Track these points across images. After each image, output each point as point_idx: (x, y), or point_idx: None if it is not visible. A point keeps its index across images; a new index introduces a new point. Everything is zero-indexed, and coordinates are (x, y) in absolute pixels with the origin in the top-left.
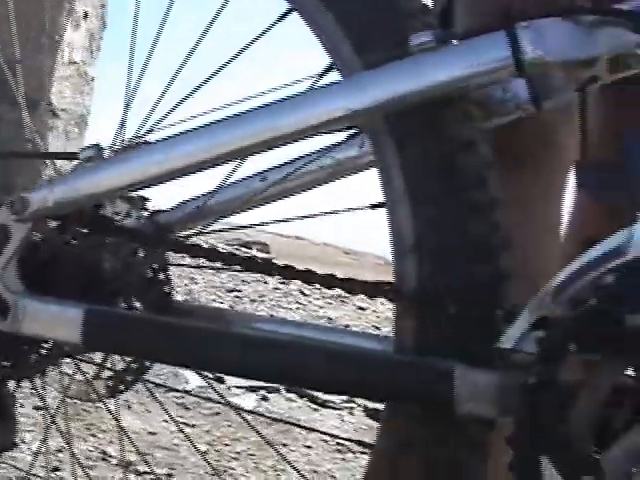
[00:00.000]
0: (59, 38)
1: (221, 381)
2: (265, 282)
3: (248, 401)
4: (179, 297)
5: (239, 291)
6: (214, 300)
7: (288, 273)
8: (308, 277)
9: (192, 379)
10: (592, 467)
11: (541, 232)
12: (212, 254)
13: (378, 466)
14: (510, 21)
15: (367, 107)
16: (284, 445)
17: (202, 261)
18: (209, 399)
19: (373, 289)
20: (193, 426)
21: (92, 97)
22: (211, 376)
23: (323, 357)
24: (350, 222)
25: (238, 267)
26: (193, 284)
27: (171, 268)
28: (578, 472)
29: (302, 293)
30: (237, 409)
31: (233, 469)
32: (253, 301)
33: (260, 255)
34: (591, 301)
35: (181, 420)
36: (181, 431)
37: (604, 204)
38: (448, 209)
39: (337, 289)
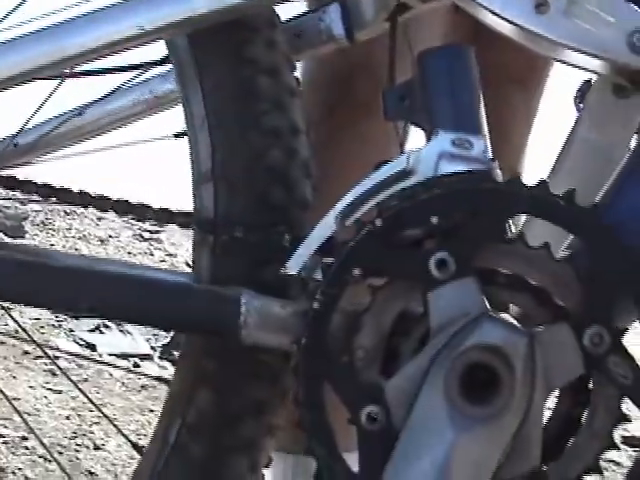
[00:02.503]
0: None
1: (92, 348)
2: (151, 254)
3: (121, 369)
4: None
5: None
6: None
7: (82, 199)
8: (102, 204)
9: (62, 345)
10: (375, 396)
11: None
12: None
13: (173, 400)
14: None
15: (158, 26)
16: (151, 411)
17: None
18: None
19: (167, 217)
20: (59, 392)
21: None
22: (83, 343)
23: (108, 285)
24: None
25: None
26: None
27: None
28: (361, 402)
29: (188, 265)
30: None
31: (93, 433)
32: None
33: (152, 228)
34: (376, 223)
35: (47, 386)
36: None
37: None
38: (246, 134)
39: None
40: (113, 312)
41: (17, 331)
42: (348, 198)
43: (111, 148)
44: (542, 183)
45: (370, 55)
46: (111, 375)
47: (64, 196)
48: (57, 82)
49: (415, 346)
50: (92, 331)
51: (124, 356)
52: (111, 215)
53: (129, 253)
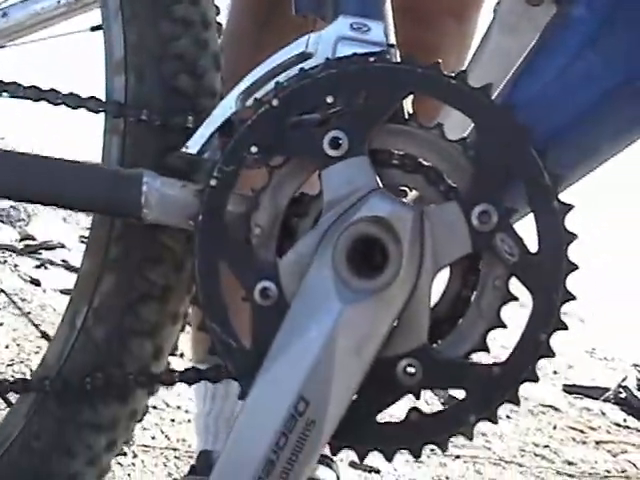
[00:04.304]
0: None
1: (37, 283)
2: None
3: (64, 303)
4: None
5: None
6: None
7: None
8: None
9: (6, 280)
10: (269, 273)
11: None
12: None
13: (81, 287)
14: None
15: None
16: None
17: None
18: None
19: (77, 101)
20: (1, 324)
21: None
22: (27, 278)
23: (18, 166)
24: None
25: None
26: None
27: None
28: (255, 278)
29: None
30: None
31: (30, 361)
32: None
33: None
34: (272, 102)
35: None
36: None
37: None
38: (156, 22)
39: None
40: (21, 193)
41: None
42: (249, 79)
43: (30, 42)
44: (435, 64)
45: None
46: (54, 309)
47: None
48: None
49: (310, 225)
50: (37, 267)
51: (68, 292)
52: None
53: None
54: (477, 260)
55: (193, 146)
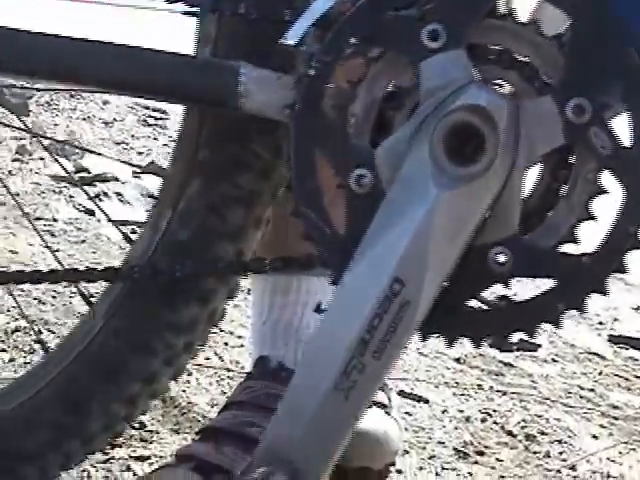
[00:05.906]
0: None
1: (91, 214)
2: (155, 139)
3: (118, 233)
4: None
5: (127, 144)
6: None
7: None
8: None
9: (62, 210)
10: (365, 160)
11: None
12: None
13: (166, 191)
14: None
15: None
16: None
17: None
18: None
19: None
20: (57, 250)
21: None
22: (82, 209)
23: (116, 58)
24: None
25: None
26: (82, 132)
27: None
28: (351, 164)
29: None
30: None
31: (85, 287)
32: (140, 153)
33: (157, 115)
34: None
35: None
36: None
37: None
38: None
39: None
40: (119, 84)
41: (18, 194)
42: None
43: None
44: None
45: None
46: (109, 238)
47: None
48: None
49: (406, 117)
50: (92, 198)
51: (122, 223)
52: (116, 100)
53: (132, 136)
54: (569, 154)
55: (291, 38)
